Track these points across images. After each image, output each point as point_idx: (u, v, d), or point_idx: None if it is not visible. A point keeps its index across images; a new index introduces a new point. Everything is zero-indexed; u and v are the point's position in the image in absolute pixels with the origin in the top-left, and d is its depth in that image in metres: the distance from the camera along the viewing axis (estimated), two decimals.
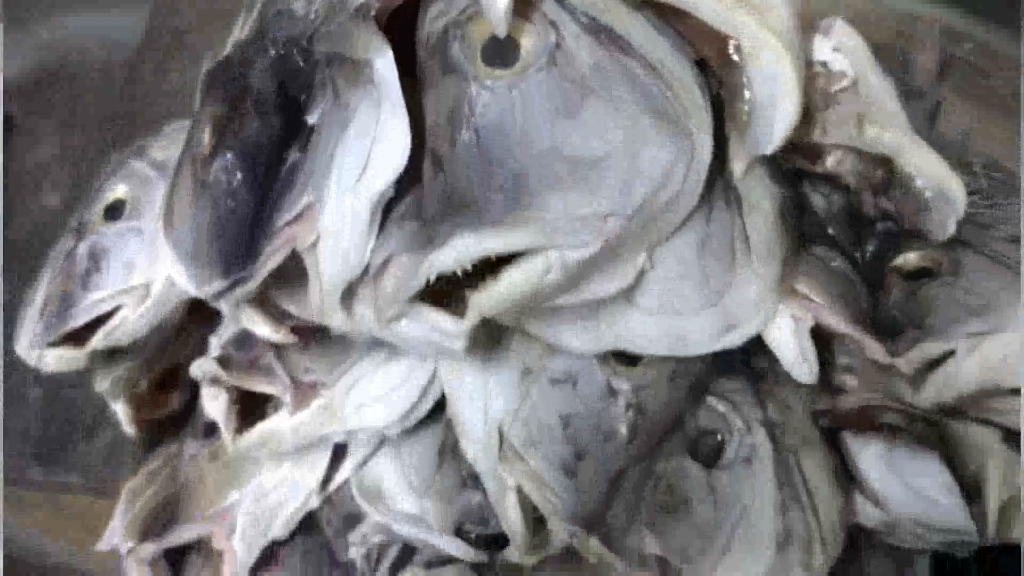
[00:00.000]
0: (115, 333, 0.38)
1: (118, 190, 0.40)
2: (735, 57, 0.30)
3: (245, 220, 0.31)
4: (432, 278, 0.27)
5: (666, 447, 0.32)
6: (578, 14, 0.30)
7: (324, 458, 0.38)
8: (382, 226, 0.29)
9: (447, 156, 0.28)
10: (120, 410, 0.46)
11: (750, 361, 0.36)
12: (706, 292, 0.31)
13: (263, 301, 0.32)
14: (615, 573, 0.31)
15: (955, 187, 0.35)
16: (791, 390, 0.36)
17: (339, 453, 0.38)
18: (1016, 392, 0.31)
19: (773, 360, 0.35)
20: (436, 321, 0.28)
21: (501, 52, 0.29)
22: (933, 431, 0.34)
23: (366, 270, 0.29)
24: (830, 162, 0.36)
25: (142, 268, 0.38)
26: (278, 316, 0.32)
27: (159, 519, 0.40)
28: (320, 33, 0.31)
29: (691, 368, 0.33)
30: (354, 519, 0.38)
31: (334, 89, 0.29)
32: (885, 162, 0.36)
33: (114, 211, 0.40)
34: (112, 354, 0.42)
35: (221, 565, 0.38)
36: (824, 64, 0.37)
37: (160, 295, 0.38)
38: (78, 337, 0.39)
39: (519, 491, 0.31)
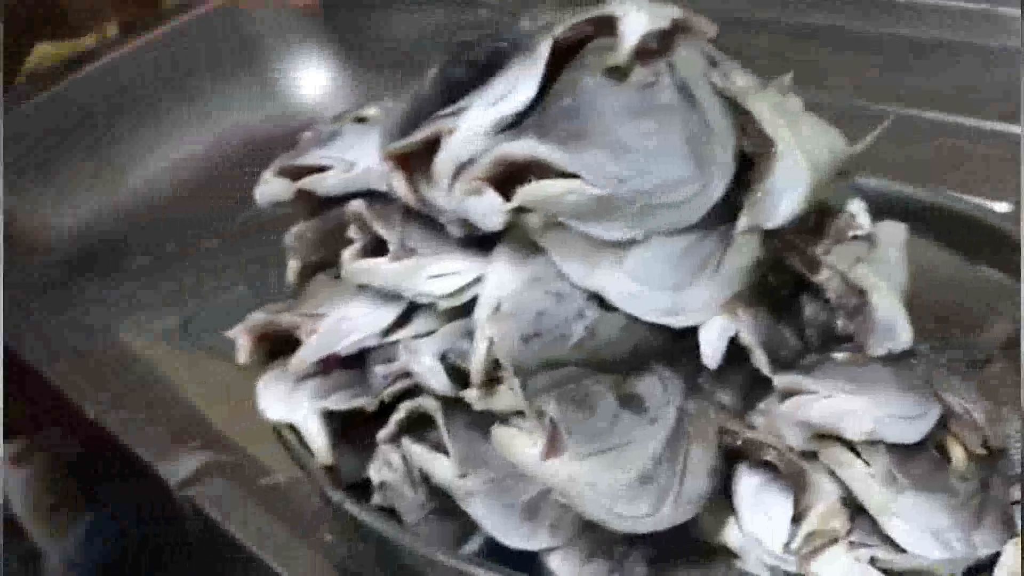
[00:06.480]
0: (320, 182, 0.56)
1: (371, 111, 0.59)
2: (774, 151, 0.44)
3: (421, 114, 0.48)
4: (497, 160, 0.42)
5: (598, 377, 0.45)
6: (676, 78, 0.45)
7: (392, 313, 0.53)
8: None
9: (550, 109, 0.44)
10: (290, 265, 0.63)
11: (698, 379, 0.47)
12: (673, 280, 0.44)
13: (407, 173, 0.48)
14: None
15: (904, 330, 0.46)
16: (714, 408, 0.47)
17: (402, 322, 0.53)
18: (847, 446, 0.41)
19: (710, 383, 0.47)
20: (492, 199, 0.43)
21: (615, 75, 0.45)
22: (797, 474, 0.44)
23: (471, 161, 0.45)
24: (822, 276, 0.48)
25: (358, 151, 0.56)
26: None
27: None
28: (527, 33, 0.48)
29: (643, 333, 0.45)
30: (391, 361, 0.53)
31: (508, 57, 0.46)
32: (861, 293, 0.47)
33: (361, 120, 0.59)
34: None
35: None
36: (852, 215, 0.49)
37: (361, 172, 0.56)
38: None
39: (490, 340, 0.45)
